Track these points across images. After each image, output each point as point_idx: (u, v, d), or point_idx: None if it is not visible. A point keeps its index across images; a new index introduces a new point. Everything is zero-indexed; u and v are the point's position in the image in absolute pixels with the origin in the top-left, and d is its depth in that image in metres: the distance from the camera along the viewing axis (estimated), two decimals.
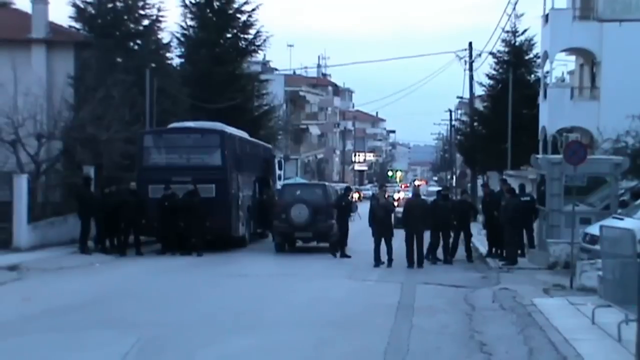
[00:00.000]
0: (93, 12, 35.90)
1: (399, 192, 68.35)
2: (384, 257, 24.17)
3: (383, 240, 24.21)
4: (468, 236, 26.04)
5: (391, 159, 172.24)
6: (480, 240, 28.37)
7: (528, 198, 25.30)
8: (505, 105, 45.00)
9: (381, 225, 24.31)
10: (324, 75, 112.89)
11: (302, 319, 15.02)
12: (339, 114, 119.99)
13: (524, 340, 12.92)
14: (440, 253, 25.12)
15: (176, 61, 44.24)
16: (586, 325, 13.79)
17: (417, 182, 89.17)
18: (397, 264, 23.96)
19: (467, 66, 51.57)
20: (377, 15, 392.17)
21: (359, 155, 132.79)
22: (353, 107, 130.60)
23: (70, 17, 35.94)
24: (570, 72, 50.46)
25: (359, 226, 40.02)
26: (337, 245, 27.03)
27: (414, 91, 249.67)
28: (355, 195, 61.32)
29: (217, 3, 45.52)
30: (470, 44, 51.82)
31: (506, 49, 50.94)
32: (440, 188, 35.14)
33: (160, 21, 37.19)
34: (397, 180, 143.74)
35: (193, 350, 12.06)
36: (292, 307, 16.51)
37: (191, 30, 45.62)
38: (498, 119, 47.16)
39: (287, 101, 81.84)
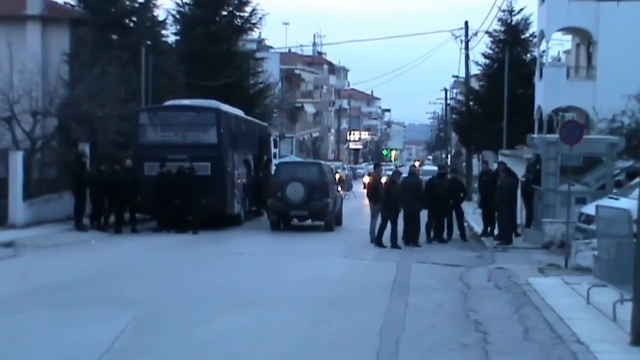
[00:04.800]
0: None
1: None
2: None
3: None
4: (460, 215, 26.01)
5: (386, 137, 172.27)
6: (475, 220, 28.41)
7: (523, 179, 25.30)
8: (501, 85, 44.96)
9: (396, 205, 24.17)
10: (320, 53, 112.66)
11: (298, 297, 15.06)
12: (334, 92, 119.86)
13: (519, 319, 12.97)
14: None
15: (172, 39, 44.08)
16: (581, 304, 13.84)
17: (417, 163, 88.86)
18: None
19: (463, 45, 51.58)
20: None
21: (354, 134, 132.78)
22: (348, 85, 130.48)
23: None
24: (567, 52, 50.50)
25: (355, 204, 40.14)
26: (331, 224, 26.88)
27: (410, 70, 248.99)
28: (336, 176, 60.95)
29: None
30: (467, 22, 51.84)
31: (502, 28, 50.80)
32: (436, 167, 35.10)
33: None
34: (392, 159, 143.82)
35: (190, 327, 12.09)
36: (288, 285, 16.55)
37: (187, 7, 45.45)
38: (494, 98, 47.12)
39: (283, 79, 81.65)
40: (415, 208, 24.02)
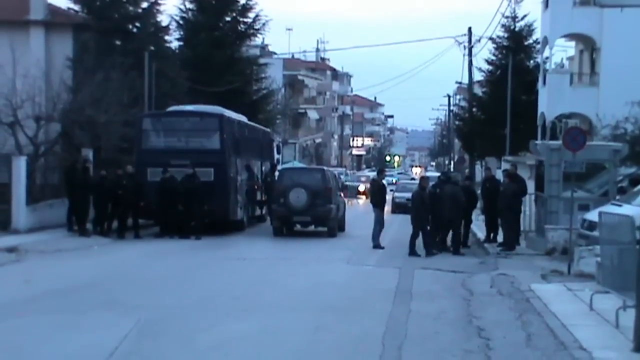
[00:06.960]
0: None
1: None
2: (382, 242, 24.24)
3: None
4: (468, 222, 25.91)
5: (389, 143, 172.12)
6: (478, 226, 28.38)
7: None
8: (504, 91, 44.97)
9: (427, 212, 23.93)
10: (323, 59, 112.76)
11: (301, 303, 15.05)
12: (337, 98, 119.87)
13: (522, 325, 12.96)
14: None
15: (175, 44, 44.27)
16: (584, 311, 13.83)
17: (419, 169, 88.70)
18: (393, 248, 24.00)
19: (467, 51, 51.60)
20: None
21: (357, 140, 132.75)
22: (351, 91, 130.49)
23: None
24: (570, 58, 50.46)
25: (357, 210, 40.13)
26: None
27: (413, 76, 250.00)
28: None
29: None
30: (470, 29, 51.83)
31: (506, 35, 50.88)
32: (438, 174, 34.95)
33: (159, 4, 37.07)
34: (395, 165, 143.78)
35: (192, 333, 12.08)
36: (291, 291, 16.54)
37: (190, 13, 45.54)
38: (497, 105, 47.14)
39: (286, 85, 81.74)
40: (456, 217, 23.87)
